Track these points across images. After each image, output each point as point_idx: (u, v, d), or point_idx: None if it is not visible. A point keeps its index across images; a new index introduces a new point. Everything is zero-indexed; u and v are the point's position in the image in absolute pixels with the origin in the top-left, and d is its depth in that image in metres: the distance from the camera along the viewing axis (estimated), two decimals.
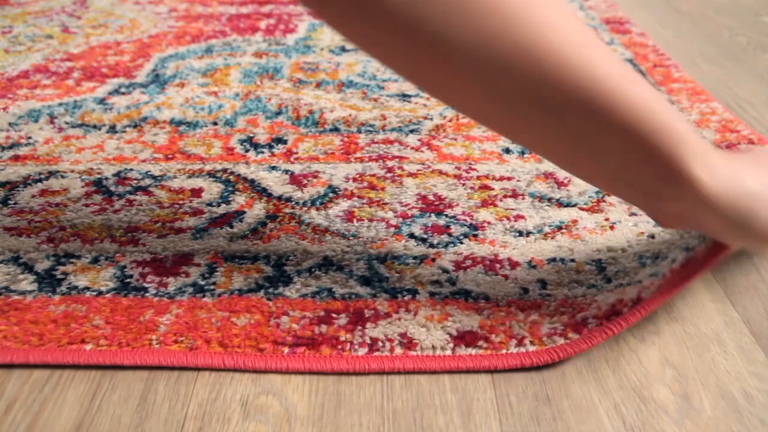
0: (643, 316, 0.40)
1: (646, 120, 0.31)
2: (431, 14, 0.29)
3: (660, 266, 0.44)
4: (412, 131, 0.64)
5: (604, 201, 0.53)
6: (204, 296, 0.43)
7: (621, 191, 0.36)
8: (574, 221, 0.51)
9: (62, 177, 0.57)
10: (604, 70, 0.31)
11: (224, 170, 0.58)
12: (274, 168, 0.58)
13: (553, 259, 0.47)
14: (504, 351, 0.39)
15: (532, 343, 0.39)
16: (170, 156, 0.60)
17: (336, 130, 0.65)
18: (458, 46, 0.30)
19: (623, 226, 0.50)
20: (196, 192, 0.55)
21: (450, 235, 0.49)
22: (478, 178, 0.56)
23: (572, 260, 0.46)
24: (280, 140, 0.63)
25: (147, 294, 0.43)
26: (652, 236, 0.48)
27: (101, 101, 0.71)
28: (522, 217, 0.51)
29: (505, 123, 0.33)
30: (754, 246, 0.35)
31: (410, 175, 0.57)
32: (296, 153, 0.60)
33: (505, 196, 0.54)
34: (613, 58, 0.32)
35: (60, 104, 0.70)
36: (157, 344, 0.40)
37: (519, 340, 0.40)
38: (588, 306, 0.42)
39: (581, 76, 0.30)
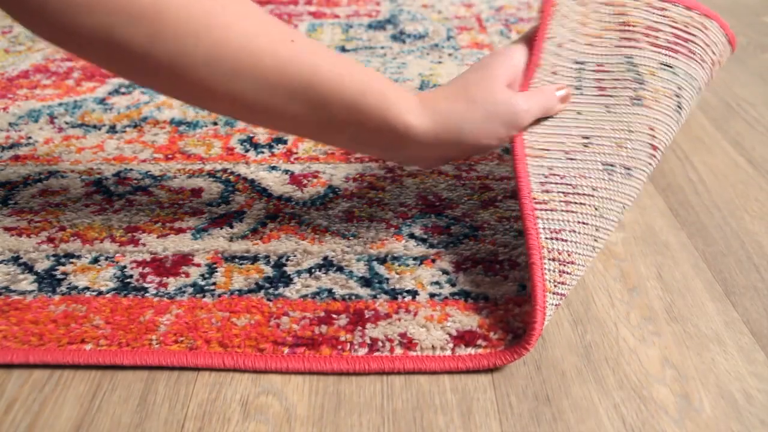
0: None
1: (362, 97, 0.38)
2: (166, 47, 0.35)
3: None
4: None
5: None
6: (204, 296, 0.43)
7: (364, 151, 0.43)
8: None
9: (62, 177, 0.57)
10: (314, 63, 0.37)
11: (224, 170, 0.58)
12: (274, 168, 0.58)
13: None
14: (502, 347, 0.39)
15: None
16: (170, 156, 0.60)
17: None
18: (193, 61, 0.35)
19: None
20: (196, 192, 0.55)
21: (450, 235, 0.49)
22: (478, 178, 0.56)
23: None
24: (280, 140, 0.63)
25: (147, 294, 0.43)
26: None
27: (101, 101, 0.71)
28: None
29: (247, 117, 0.41)
30: (474, 152, 0.43)
31: (410, 175, 0.57)
32: (296, 153, 0.60)
33: (505, 197, 0.54)
34: (319, 49, 0.38)
35: (60, 104, 0.70)
36: (157, 344, 0.40)
37: (516, 334, 0.40)
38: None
39: (299, 73, 0.37)
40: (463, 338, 0.40)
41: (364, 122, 0.39)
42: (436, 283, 0.44)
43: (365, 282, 0.44)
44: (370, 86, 0.39)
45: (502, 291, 0.44)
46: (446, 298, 0.43)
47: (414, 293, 0.43)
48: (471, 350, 0.39)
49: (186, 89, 0.38)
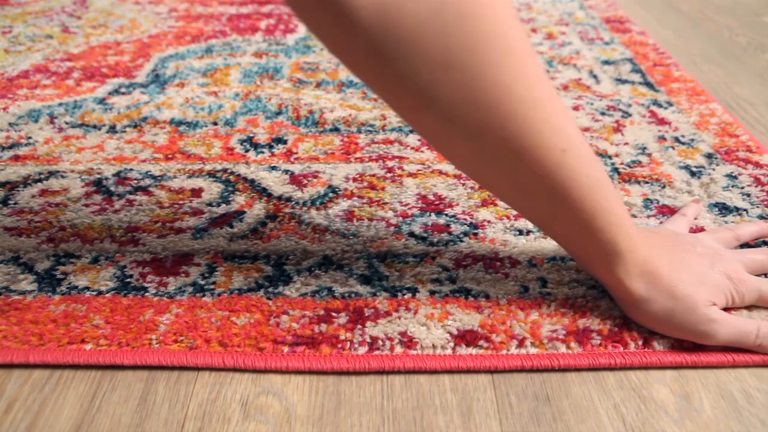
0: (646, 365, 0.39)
1: (596, 226, 0.38)
2: (444, 104, 0.33)
3: None
4: (412, 131, 0.64)
5: None
6: (204, 296, 0.43)
7: (568, 251, 0.42)
8: None
9: (62, 177, 0.57)
10: (578, 178, 0.36)
11: (224, 170, 0.58)
12: (274, 168, 0.58)
13: (554, 258, 0.47)
14: (505, 351, 0.39)
15: (533, 344, 0.39)
16: (170, 156, 0.60)
17: (336, 130, 0.65)
18: (463, 131, 0.34)
19: None
20: (196, 192, 0.55)
21: (450, 233, 0.49)
22: None
23: (572, 259, 0.46)
24: (280, 140, 0.63)
25: (147, 294, 0.43)
26: None
27: (101, 101, 0.71)
28: (522, 216, 0.51)
29: (484, 183, 0.40)
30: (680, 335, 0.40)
31: (410, 175, 0.57)
32: (296, 153, 0.60)
33: None
34: (590, 163, 0.36)
35: (60, 104, 0.70)
36: (156, 344, 0.40)
37: (520, 341, 0.39)
38: (589, 312, 0.42)
39: (556, 177, 0.35)
40: (464, 338, 0.40)
41: (582, 243, 0.39)
42: (437, 280, 0.44)
43: (365, 280, 0.44)
44: (609, 223, 0.38)
45: (503, 290, 0.43)
46: (446, 295, 0.43)
47: (414, 290, 0.43)
48: (472, 350, 0.39)
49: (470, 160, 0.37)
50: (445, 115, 0.33)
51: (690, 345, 0.39)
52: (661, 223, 0.50)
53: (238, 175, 0.57)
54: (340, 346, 0.39)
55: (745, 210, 0.52)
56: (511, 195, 0.39)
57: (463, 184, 0.55)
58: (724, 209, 0.52)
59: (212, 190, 0.55)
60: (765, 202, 0.53)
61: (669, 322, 0.39)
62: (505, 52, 0.32)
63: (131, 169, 0.58)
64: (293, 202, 0.53)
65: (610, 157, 0.59)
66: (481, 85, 0.32)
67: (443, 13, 0.30)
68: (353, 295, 0.43)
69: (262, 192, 0.54)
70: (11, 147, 0.62)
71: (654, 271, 0.39)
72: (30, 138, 0.63)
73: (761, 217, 0.51)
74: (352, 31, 0.30)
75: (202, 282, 0.44)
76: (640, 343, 0.40)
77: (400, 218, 0.51)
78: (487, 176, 0.38)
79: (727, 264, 0.41)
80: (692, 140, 0.62)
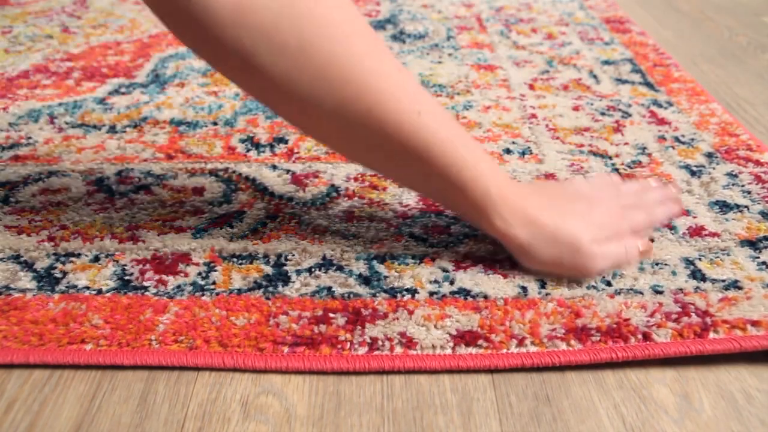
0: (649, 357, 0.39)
1: (464, 179, 0.41)
2: (302, 81, 0.37)
3: (663, 280, 0.44)
4: None
5: None
6: (203, 295, 0.43)
7: (447, 208, 0.48)
8: None
9: (63, 176, 0.57)
10: (438, 136, 0.40)
11: (225, 169, 0.58)
12: (275, 167, 0.58)
13: None
14: (504, 350, 0.39)
15: (533, 343, 0.39)
16: (172, 155, 0.60)
17: None
18: (323, 105, 0.38)
19: None
20: (198, 191, 0.55)
21: (450, 235, 0.49)
22: None
23: None
24: (281, 140, 0.63)
25: (147, 293, 0.43)
26: (652, 240, 0.48)
27: (101, 101, 0.71)
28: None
29: (354, 157, 0.45)
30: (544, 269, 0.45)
31: None
32: (297, 153, 0.60)
33: None
34: (447, 122, 0.41)
35: (60, 104, 0.70)
36: (156, 344, 0.40)
37: (520, 341, 0.40)
38: (588, 310, 0.42)
39: (417, 139, 0.39)
40: (464, 338, 0.40)
41: (457, 199, 0.43)
42: (435, 281, 0.44)
43: (364, 280, 0.44)
44: (476, 175, 0.42)
45: (502, 291, 0.43)
46: (445, 296, 0.43)
47: (413, 291, 0.43)
48: (472, 350, 0.39)
49: (305, 124, 0.41)
50: (306, 97, 0.37)
51: (692, 336, 0.39)
52: (661, 223, 0.50)
53: (240, 174, 0.57)
54: (339, 346, 0.39)
55: (746, 207, 0.52)
56: (382, 164, 0.43)
57: None
58: (724, 207, 0.52)
59: (214, 189, 0.55)
60: (766, 199, 0.53)
61: (556, 263, 0.43)
62: (353, 33, 0.37)
63: (132, 169, 0.58)
64: (294, 202, 0.53)
65: (610, 158, 0.59)
66: (336, 61, 0.36)
67: (295, 2, 0.35)
68: (352, 295, 0.43)
69: (264, 191, 0.54)
70: (11, 147, 0.62)
71: (536, 220, 0.43)
72: (30, 138, 0.63)
73: (763, 214, 0.51)
74: (211, 27, 0.34)
75: (202, 282, 0.44)
76: (639, 337, 0.40)
77: (401, 219, 0.51)
78: (355, 150, 0.42)
79: (606, 205, 0.46)
80: (692, 140, 0.62)
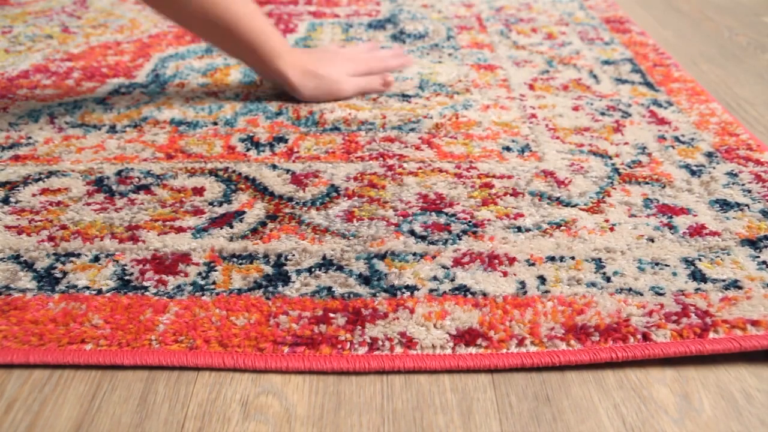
0: (649, 357, 0.39)
1: (258, 41, 0.66)
2: None
3: (663, 281, 0.44)
4: (412, 129, 0.64)
5: (604, 202, 0.53)
6: (203, 295, 0.43)
7: (246, 63, 0.70)
8: (574, 220, 0.51)
9: (63, 176, 0.57)
10: (236, 8, 0.63)
11: (225, 169, 0.58)
12: (275, 167, 0.58)
13: (552, 258, 0.47)
14: (504, 350, 0.39)
15: (533, 343, 0.39)
16: (172, 155, 0.60)
17: (336, 129, 0.65)
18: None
19: (623, 228, 0.50)
20: (198, 191, 0.55)
21: (450, 232, 0.49)
22: (479, 176, 0.56)
23: (572, 257, 0.46)
24: (281, 139, 0.63)
25: (146, 293, 0.43)
26: (652, 240, 0.48)
27: (101, 101, 0.71)
28: (522, 215, 0.51)
29: (197, 33, 0.68)
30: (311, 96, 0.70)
31: (411, 173, 0.57)
32: (297, 152, 0.60)
33: (505, 194, 0.54)
34: (242, 2, 0.64)
35: (60, 104, 0.70)
36: (156, 344, 0.40)
37: (520, 340, 0.40)
38: (588, 309, 0.42)
39: (219, 12, 0.62)
40: (463, 338, 0.40)
41: (256, 55, 0.67)
42: (435, 278, 0.44)
43: (364, 280, 0.44)
44: (269, 38, 0.66)
45: (501, 288, 0.43)
46: (445, 293, 0.43)
47: (413, 288, 0.43)
48: (471, 349, 0.39)
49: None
50: None
51: (692, 336, 0.39)
52: (661, 222, 0.50)
53: (240, 173, 0.57)
54: (339, 346, 0.39)
55: (746, 205, 0.52)
56: (203, 33, 0.66)
57: (464, 183, 0.55)
58: (725, 205, 0.52)
59: (214, 189, 0.55)
60: (766, 198, 0.53)
61: (318, 90, 0.69)
62: None
63: (132, 168, 0.58)
64: (294, 202, 0.53)
65: (610, 157, 0.59)
66: None
67: None
68: (352, 295, 0.43)
69: (264, 191, 0.54)
70: (11, 147, 0.62)
71: (305, 66, 0.68)
72: (30, 138, 0.63)
73: (763, 213, 0.51)
74: None
75: (202, 282, 0.44)
76: (639, 337, 0.40)
77: (401, 217, 0.51)
78: (181, 20, 0.65)
79: (351, 56, 0.73)
80: (692, 139, 0.62)
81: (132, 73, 0.78)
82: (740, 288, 0.44)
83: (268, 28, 0.66)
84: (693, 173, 0.57)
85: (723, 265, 0.46)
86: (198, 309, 0.42)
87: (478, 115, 0.67)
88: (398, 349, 0.39)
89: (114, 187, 0.55)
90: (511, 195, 0.54)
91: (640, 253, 0.47)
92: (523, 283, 0.44)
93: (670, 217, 0.51)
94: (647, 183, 0.56)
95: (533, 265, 0.46)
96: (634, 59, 0.80)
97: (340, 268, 0.46)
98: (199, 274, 0.45)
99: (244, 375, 0.39)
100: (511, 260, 0.46)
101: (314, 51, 0.76)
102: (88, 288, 0.44)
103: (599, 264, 0.46)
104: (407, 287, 0.44)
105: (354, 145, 0.61)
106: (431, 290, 0.43)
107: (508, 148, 0.61)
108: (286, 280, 0.45)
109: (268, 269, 0.46)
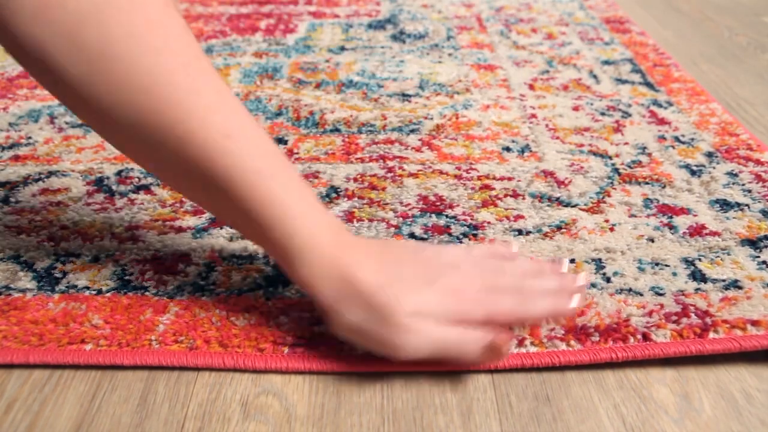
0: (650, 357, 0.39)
1: (269, 216, 0.36)
2: (101, 88, 0.34)
3: (663, 281, 0.44)
4: (412, 131, 0.64)
5: (604, 202, 0.53)
6: (203, 295, 0.43)
7: (259, 245, 0.40)
8: (574, 220, 0.51)
9: (63, 176, 0.57)
10: (244, 165, 0.35)
11: None
12: None
13: (552, 260, 0.46)
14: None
15: (533, 344, 0.39)
16: None
17: (336, 130, 0.65)
18: (123, 117, 0.34)
19: (623, 228, 0.50)
20: None
21: (450, 234, 0.49)
22: (479, 178, 0.56)
23: (572, 260, 0.46)
24: (281, 140, 0.63)
25: (146, 293, 0.43)
26: (652, 240, 0.48)
27: None
28: (522, 217, 0.51)
29: (161, 178, 0.43)
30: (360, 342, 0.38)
31: (411, 175, 0.57)
32: (297, 153, 0.60)
33: (506, 195, 0.54)
34: (261, 152, 0.37)
35: (60, 104, 0.70)
36: (156, 344, 0.40)
37: (519, 341, 0.39)
38: (587, 310, 0.42)
39: (220, 164, 0.35)
40: None
41: (263, 236, 0.38)
42: None
43: None
44: (285, 213, 0.36)
45: None
46: None
47: None
48: None
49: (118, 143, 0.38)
50: (106, 106, 0.34)
51: (692, 336, 0.39)
52: (661, 222, 0.50)
53: None
54: (340, 346, 0.39)
55: (746, 205, 0.52)
56: (177, 182, 0.39)
57: (464, 185, 0.55)
58: (725, 205, 0.52)
59: None
60: (767, 198, 0.53)
61: (361, 332, 0.36)
62: (166, 47, 0.34)
63: (132, 168, 0.58)
64: None
65: (610, 158, 0.59)
66: (139, 71, 0.33)
67: (103, 5, 0.32)
68: None
69: None
70: (11, 147, 0.62)
71: (350, 275, 0.36)
72: (30, 138, 0.63)
73: (763, 212, 0.51)
74: (8, 23, 0.32)
75: (202, 282, 0.44)
76: (639, 337, 0.40)
77: (401, 219, 0.51)
78: (159, 170, 0.38)
79: (463, 279, 0.38)
80: (692, 140, 0.62)
81: None
82: (740, 288, 0.44)
83: (284, 185, 0.37)
84: (693, 173, 0.57)
85: (723, 265, 0.46)
86: (198, 309, 0.42)
87: (478, 114, 0.67)
88: None
89: (114, 187, 0.55)
90: (511, 197, 0.54)
91: (640, 253, 0.47)
92: None
93: (670, 217, 0.51)
94: (647, 183, 0.56)
95: None
96: (634, 59, 0.80)
97: None
98: (199, 274, 0.45)
99: (244, 375, 0.39)
100: None
101: (388, 244, 0.44)
102: (88, 288, 0.44)
103: (599, 264, 0.46)
104: None
105: (354, 147, 0.61)
106: None
107: (508, 149, 0.61)
108: (286, 281, 0.45)
109: (268, 270, 0.46)
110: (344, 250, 0.37)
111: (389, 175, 0.57)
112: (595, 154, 0.60)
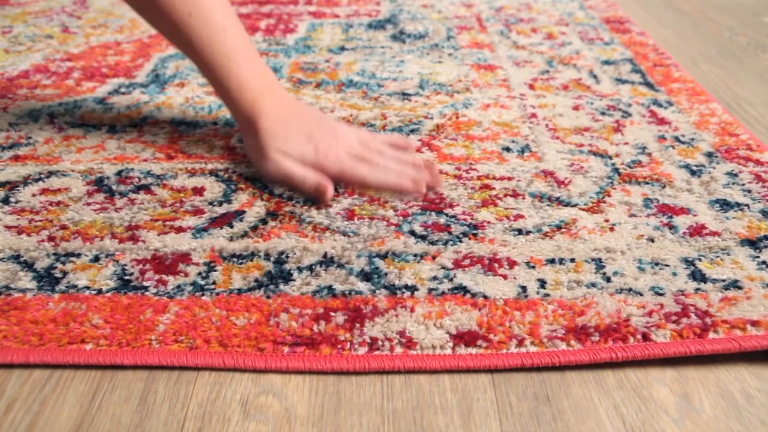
0: (649, 357, 0.39)
1: (219, 72, 0.54)
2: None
3: (663, 281, 0.44)
4: (412, 131, 0.64)
5: (604, 202, 0.53)
6: (203, 295, 0.43)
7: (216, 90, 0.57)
8: (574, 220, 0.51)
9: (63, 176, 0.57)
10: (201, 35, 0.52)
11: (225, 169, 0.58)
12: None
13: (552, 260, 0.46)
14: (504, 351, 0.39)
15: (533, 343, 0.39)
16: (172, 155, 0.60)
17: None
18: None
19: (623, 228, 0.50)
20: (198, 191, 0.55)
21: (450, 233, 0.49)
22: (479, 178, 0.56)
23: (572, 260, 0.46)
24: None
25: (146, 293, 0.43)
26: (652, 240, 0.48)
27: (101, 101, 0.71)
28: (522, 216, 0.51)
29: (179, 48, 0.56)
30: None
31: None
32: None
33: (506, 195, 0.54)
34: (216, 30, 0.52)
35: (60, 104, 0.70)
36: (156, 344, 0.40)
37: (519, 341, 0.40)
38: (587, 309, 0.42)
39: (186, 34, 0.52)
40: (463, 338, 0.40)
41: (215, 83, 0.55)
42: (435, 278, 0.44)
43: (365, 276, 0.44)
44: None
45: (501, 291, 0.43)
46: (444, 293, 0.43)
47: (413, 288, 0.43)
48: (471, 349, 0.39)
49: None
50: None
51: (692, 336, 0.39)
52: (661, 222, 0.50)
53: (240, 173, 0.57)
54: (339, 346, 0.39)
55: (746, 205, 0.52)
56: (168, 38, 0.56)
57: (464, 185, 0.55)
58: (725, 205, 0.52)
59: (214, 188, 0.55)
60: (766, 198, 0.53)
61: (250, 154, 0.56)
62: None
63: (132, 168, 0.58)
64: (294, 201, 0.53)
65: (610, 157, 0.59)
66: None
67: None
68: (353, 292, 0.43)
69: (263, 189, 0.54)
70: (11, 147, 0.62)
71: (254, 118, 0.53)
72: (30, 138, 0.63)
73: (763, 213, 0.51)
74: None
75: (202, 282, 0.44)
76: (639, 337, 0.40)
77: (401, 217, 0.51)
78: (152, 23, 0.56)
79: (332, 140, 0.54)
80: (692, 140, 0.62)
81: (132, 73, 0.78)
82: (740, 288, 0.44)
83: (237, 60, 0.53)
84: (693, 173, 0.57)
85: (723, 265, 0.46)
86: (198, 309, 0.42)
87: (478, 114, 0.67)
88: (398, 349, 0.39)
89: (114, 187, 0.55)
90: (511, 196, 0.54)
91: (640, 253, 0.47)
92: (524, 288, 0.44)
93: (670, 217, 0.51)
94: (647, 183, 0.56)
95: (533, 267, 0.46)
96: (634, 59, 0.80)
97: (340, 266, 0.46)
98: (199, 274, 0.45)
99: (244, 375, 0.39)
100: (512, 264, 0.46)
101: (299, 109, 0.57)
102: (88, 288, 0.44)
103: (599, 264, 0.46)
104: (407, 287, 0.44)
105: None
106: (431, 290, 0.43)
107: (508, 149, 0.61)
108: (287, 278, 0.45)
109: (270, 266, 0.46)
110: (261, 99, 0.54)
111: None
112: (595, 153, 0.60)
